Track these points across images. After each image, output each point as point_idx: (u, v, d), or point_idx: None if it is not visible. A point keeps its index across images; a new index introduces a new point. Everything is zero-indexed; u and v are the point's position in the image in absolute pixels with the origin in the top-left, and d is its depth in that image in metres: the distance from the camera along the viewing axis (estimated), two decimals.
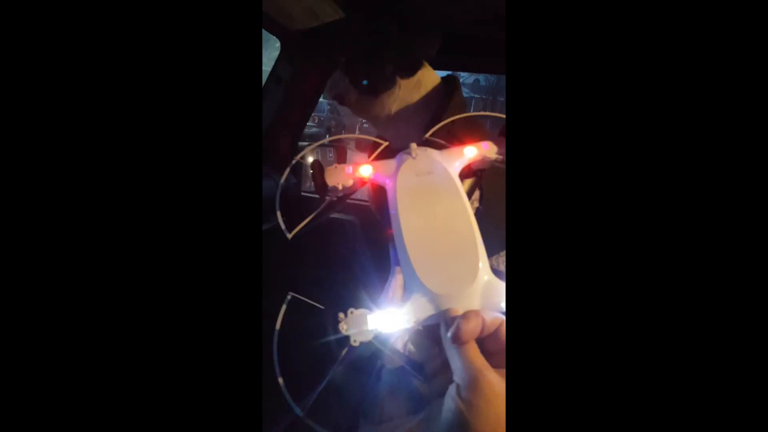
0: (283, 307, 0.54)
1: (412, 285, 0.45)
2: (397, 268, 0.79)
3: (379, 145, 0.70)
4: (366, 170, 0.54)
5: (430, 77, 0.64)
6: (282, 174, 1.21)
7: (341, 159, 1.30)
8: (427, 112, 0.62)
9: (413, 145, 0.51)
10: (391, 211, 0.49)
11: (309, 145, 1.28)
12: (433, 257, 0.45)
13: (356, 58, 0.66)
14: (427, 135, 0.58)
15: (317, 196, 1.27)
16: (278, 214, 0.58)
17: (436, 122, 0.62)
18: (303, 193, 1.28)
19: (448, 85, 0.65)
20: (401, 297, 0.72)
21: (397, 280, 0.76)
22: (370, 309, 0.44)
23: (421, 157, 0.50)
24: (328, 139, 1.33)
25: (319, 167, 0.54)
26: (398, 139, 0.64)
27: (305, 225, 0.58)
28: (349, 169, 0.53)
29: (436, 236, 0.46)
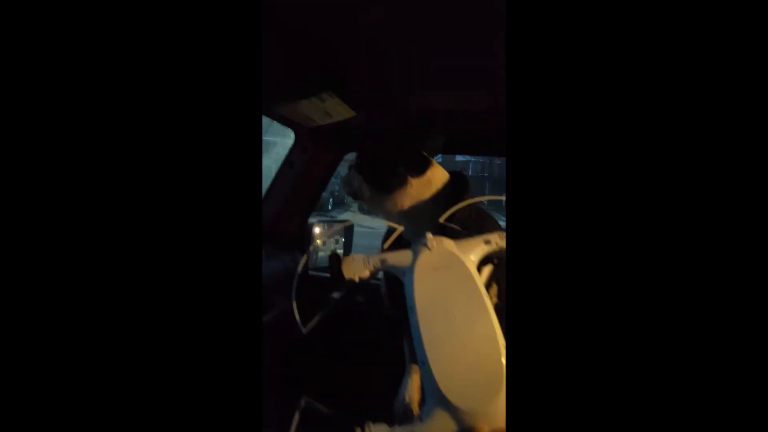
0: (296, 415, 0.52)
1: (432, 395, 0.42)
2: (414, 367, 0.76)
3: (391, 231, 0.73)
4: (382, 261, 0.55)
5: (439, 175, 0.69)
6: (288, 253, 1.22)
7: (348, 241, 1.33)
8: (439, 208, 0.65)
9: (429, 235, 0.51)
10: (409, 310, 0.48)
11: (317, 221, 1.32)
12: (454, 366, 0.43)
13: (368, 158, 0.71)
14: (442, 219, 0.60)
15: (325, 275, 1.26)
16: (294, 305, 0.57)
17: (447, 217, 0.64)
18: (310, 272, 1.29)
19: (458, 182, 0.70)
20: (419, 401, 0.68)
21: (413, 381, 0.73)
22: (389, 424, 0.42)
23: (438, 248, 0.50)
24: (337, 221, 1.36)
25: (336, 259, 0.54)
26: (411, 231, 0.66)
27: (320, 318, 0.57)
28: (365, 259, 0.54)
29: (456, 342, 0.44)
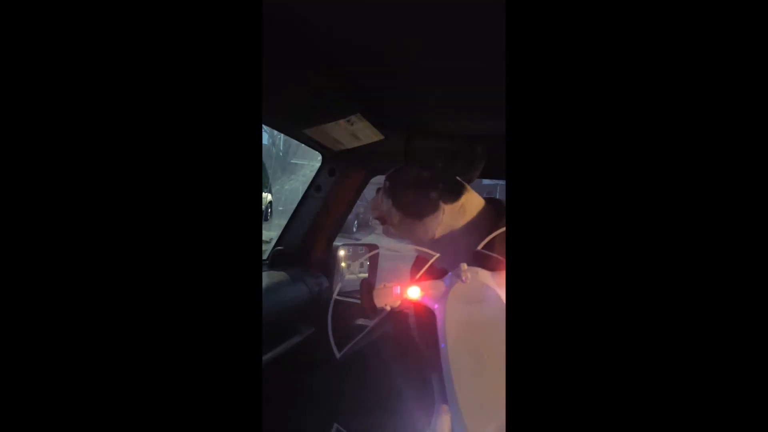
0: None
1: None
2: (444, 408, 0.71)
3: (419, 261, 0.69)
4: (414, 292, 0.52)
5: (474, 201, 0.64)
6: (313, 277, 1.20)
7: (373, 264, 1.29)
8: (473, 237, 0.61)
9: (463, 266, 0.49)
10: (441, 344, 0.46)
11: (342, 245, 1.29)
12: (484, 408, 0.41)
13: (399, 182, 0.68)
14: (479, 247, 0.56)
15: (351, 300, 1.22)
16: (329, 330, 0.55)
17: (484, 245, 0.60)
18: (337, 297, 1.26)
19: (494, 209, 0.65)
20: None
21: (443, 423, 0.67)
22: None
23: (472, 281, 0.48)
24: (362, 244, 1.33)
25: (367, 287, 0.52)
26: (442, 261, 0.62)
27: (353, 344, 0.54)
28: (396, 289, 0.52)
29: (487, 382, 0.42)
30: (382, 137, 0.93)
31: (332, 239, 1.29)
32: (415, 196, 0.65)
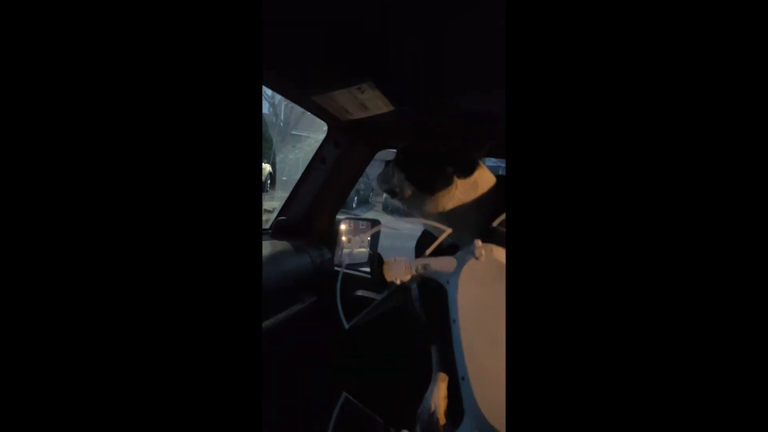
0: (337, 408, 0.49)
1: (470, 413, 0.41)
2: (441, 375, 0.72)
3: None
4: (425, 267, 0.52)
5: (486, 178, 0.63)
6: (316, 249, 1.20)
7: (374, 241, 1.29)
8: (483, 212, 0.60)
9: (478, 243, 0.48)
10: (451, 321, 0.46)
11: (344, 218, 1.28)
12: (495, 386, 0.40)
13: (413, 155, 0.66)
14: (495, 224, 0.55)
15: (351, 272, 1.22)
16: (338, 301, 0.54)
17: (492, 221, 0.59)
18: (336, 268, 1.26)
19: (504, 186, 0.64)
20: (444, 411, 0.64)
21: (440, 390, 0.69)
22: None
23: (487, 258, 0.47)
24: (364, 219, 1.32)
25: (378, 260, 0.52)
26: (453, 236, 0.61)
27: (363, 316, 0.54)
28: (407, 263, 0.51)
29: (499, 362, 0.40)
30: (392, 108, 0.90)
31: (335, 212, 1.28)
32: (429, 171, 0.63)
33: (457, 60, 0.67)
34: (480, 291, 0.45)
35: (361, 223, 1.36)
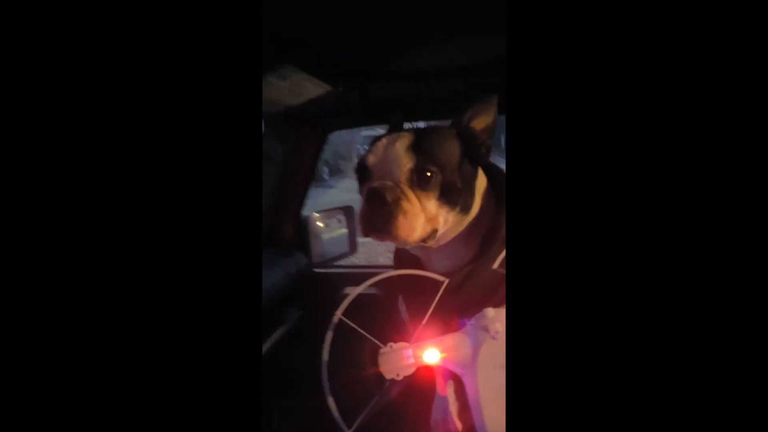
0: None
1: None
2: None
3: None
4: (432, 356, 0.41)
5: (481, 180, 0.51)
6: (287, 256, 1.06)
7: (351, 228, 1.17)
8: (474, 232, 0.50)
9: (489, 313, 0.39)
10: (471, 405, 0.39)
11: (313, 213, 1.15)
12: None
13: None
14: (495, 265, 0.44)
15: (333, 270, 1.10)
16: (333, 405, 0.41)
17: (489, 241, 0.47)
18: (315, 270, 1.15)
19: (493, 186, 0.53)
20: None
21: None
22: None
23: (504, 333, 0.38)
24: (335, 208, 1.18)
25: (371, 352, 0.41)
26: (440, 264, 0.52)
27: (364, 416, 0.44)
28: (408, 353, 0.41)
29: None
30: (327, 87, 0.75)
31: (298, 211, 1.15)
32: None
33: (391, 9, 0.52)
34: (503, 377, 0.34)
35: (335, 212, 1.23)
